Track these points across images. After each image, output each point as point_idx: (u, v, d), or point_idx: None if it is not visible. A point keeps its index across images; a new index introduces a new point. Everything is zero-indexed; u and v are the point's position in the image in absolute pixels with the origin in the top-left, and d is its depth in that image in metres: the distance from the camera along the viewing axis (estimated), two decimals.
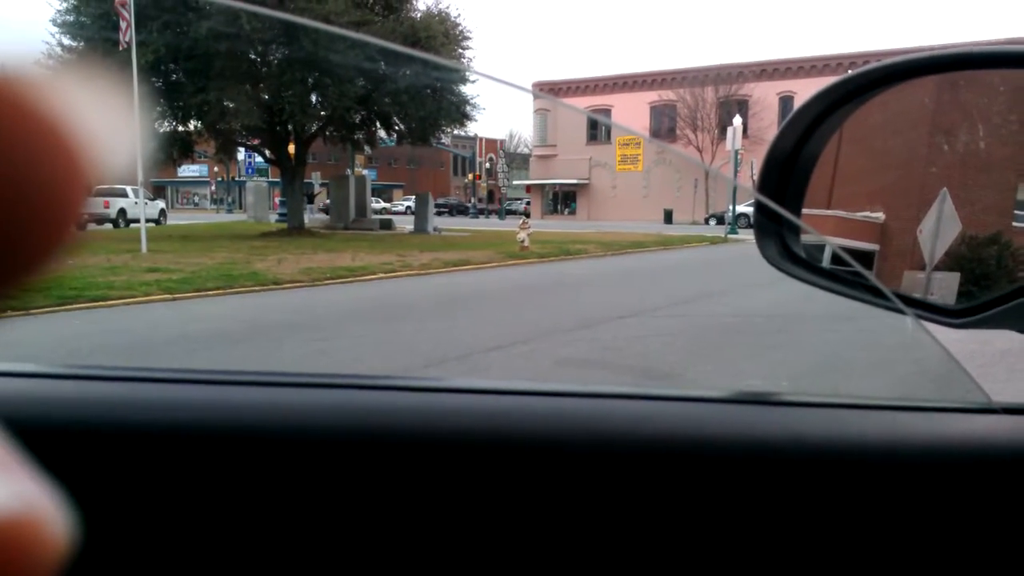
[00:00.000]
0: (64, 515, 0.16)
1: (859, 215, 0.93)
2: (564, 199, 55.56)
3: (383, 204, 54.25)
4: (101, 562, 0.66)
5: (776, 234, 0.84)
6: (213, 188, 65.93)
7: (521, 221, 19.56)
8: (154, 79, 21.61)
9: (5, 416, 0.68)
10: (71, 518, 0.16)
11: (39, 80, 0.15)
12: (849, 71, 0.80)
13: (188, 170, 62.36)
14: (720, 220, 35.34)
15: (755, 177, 0.82)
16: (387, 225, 26.74)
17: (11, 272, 0.15)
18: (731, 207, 29.98)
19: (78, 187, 0.15)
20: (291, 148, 23.90)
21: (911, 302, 0.78)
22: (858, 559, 0.65)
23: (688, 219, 44.48)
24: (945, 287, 0.82)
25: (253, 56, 22.58)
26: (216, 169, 59.66)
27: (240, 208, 50.44)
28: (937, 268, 0.83)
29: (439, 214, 50.54)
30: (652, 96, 50.52)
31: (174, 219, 32.51)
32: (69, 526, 0.16)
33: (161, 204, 32.31)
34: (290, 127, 23.08)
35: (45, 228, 0.15)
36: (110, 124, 0.16)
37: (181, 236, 20.44)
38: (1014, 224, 0.82)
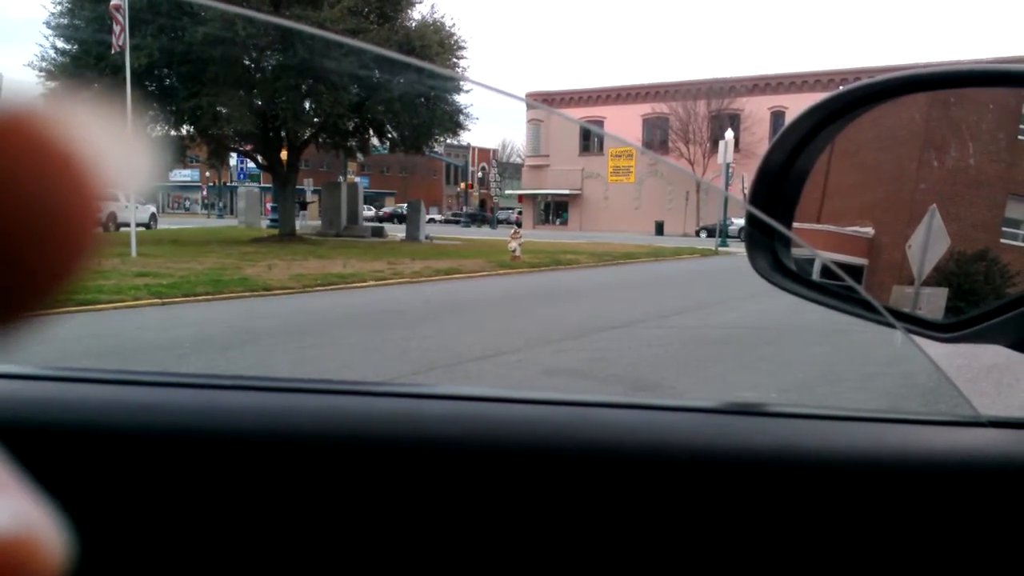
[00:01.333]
0: (60, 531, 0.16)
1: (849, 229, 0.93)
2: (556, 209, 55.65)
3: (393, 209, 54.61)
4: (84, 565, 0.65)
5: (767, 247, 0.84)
6: (205, 193, 65.77)
7: (512, 231, 19.58)
8: (147, 83, 21.56)
9: None
10: (67, 535, 0.16)
11: (43, 108, 0.16)
12: (841, 87, 0.81)
13: (180, 174, 62.25)
14: (711, 232, 35.48)
15: (746, 190, 0.83)
16: (379, 232, 26.72)
17: (47, 282, 0.16)
18: (722, 220, 30.11)
19: (91, 199, 0.16)
20: (284, 154, 23.86)
21: (900, 316, 0.79)
22: (845, 570, 0.66)
23: (679, 231, 44.63)
24: (933, 302, 0.83)
25: (247, 62, 22.56)
26: (208, 174, 59.53)
27: (231, 213, 50.32)
28: (926, 283, 0.83)
29: (469, 225, 50.93)
30: (645, 108, 50.73)
31: (165, 223, 32.35)
32: (66, 544, 0.16)
33: (152, 208, 32.09)
34: (283, 133, 23.05)
35: (68, 239, 0.16)
36: (111, 138, 0.16)
37: (171, 241, 20.36)
38: (1001, 240, 0.83)
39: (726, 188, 30.97)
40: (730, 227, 29.64)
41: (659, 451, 0.67)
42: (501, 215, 57.16)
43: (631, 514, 0.66)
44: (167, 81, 22.44)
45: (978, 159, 0.88)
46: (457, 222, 54.91)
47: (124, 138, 0.17)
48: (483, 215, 57.51)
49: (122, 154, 0.17)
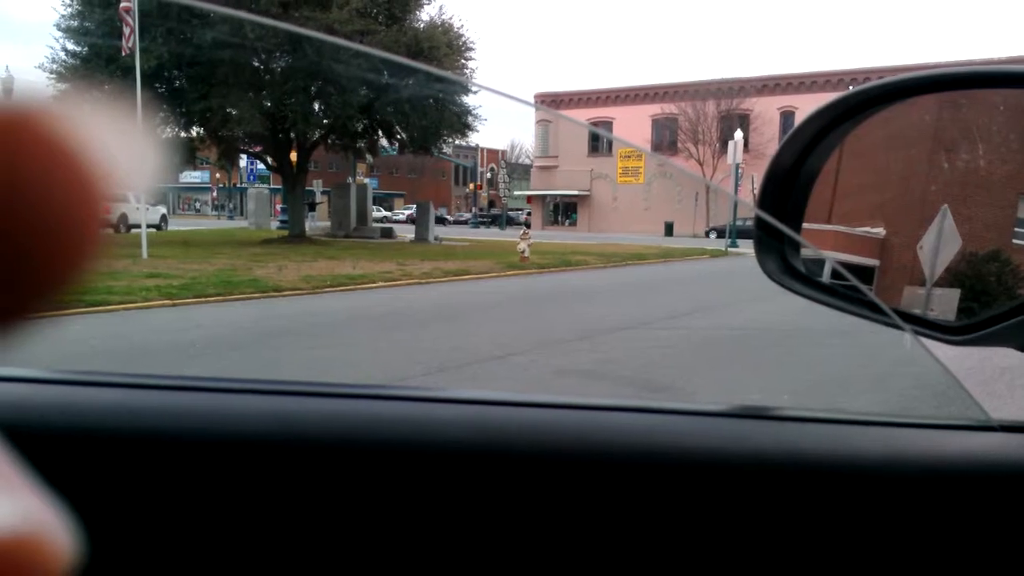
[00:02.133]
0: (68, 530, 0.16)
1: (859, 230, 0.93)
2: (565, 210, 55.64)
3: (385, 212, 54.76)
4: (94, 570, 0.65)
5: (776, 249, 0.84)
6: (215, 194, 66.06)
7: (521, 231, 19.60)
8: (157, 85, 21.65)
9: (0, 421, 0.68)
10: (75, 533, 0.16)
11: (52, 107, 0.16)
12: (851, 87, 0.81)
13: (190, 176, 62.55)
14: (721, 233, 35.40)
15: (756, 191, 0.83)
16: (388, 233, 26.77)
17: (52, 282, 0.16)
18: (732, 221, 30.02)
19: (96, 199, 0.16)
20: (293, 156, 23.93)
21: (910, 318, 0.78)
22: (854, 574, 0.65)
23: (689, 232, 44.55)
24: (945, 303, 0.82)
25: (256, 64, 22.63)
26: (218, 175, 59.78)
27: (241, 215, 50.50)
28: (937, 284, 0.83)
29: (478, 225, 50.98)
30: (654, 109, 50.65)
31: (175, 225, 32.51)
32: (73, 542, 0.16)
33: (162, 210, 32.25)
34: (292, 135, 23.12)
35: (74, 238, 0.16)
36: (119, 139, 0.17)
37: (182, 242, 20.44)
38: (1014, 241, 0.82)
39: (736, 189, 30.90)
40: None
41: (669, 455, 0.67)
42: (510, 215, 57.28)
43: (641, 519, 0.66)
44: (177, 83, 22.54)
45: (989, 160, 0.87)
46: (484, 222, 55.09)
47: (132, 137, 0.17)
48: (508, 215, 57.60)
49: (130, 153, 0.17)
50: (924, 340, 0.73)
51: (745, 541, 0.66)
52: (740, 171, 30.73)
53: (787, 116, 44.35)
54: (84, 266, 0.16)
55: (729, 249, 25.12)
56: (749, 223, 0.88)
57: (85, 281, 0.17)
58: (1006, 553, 0.64)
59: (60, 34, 22.06)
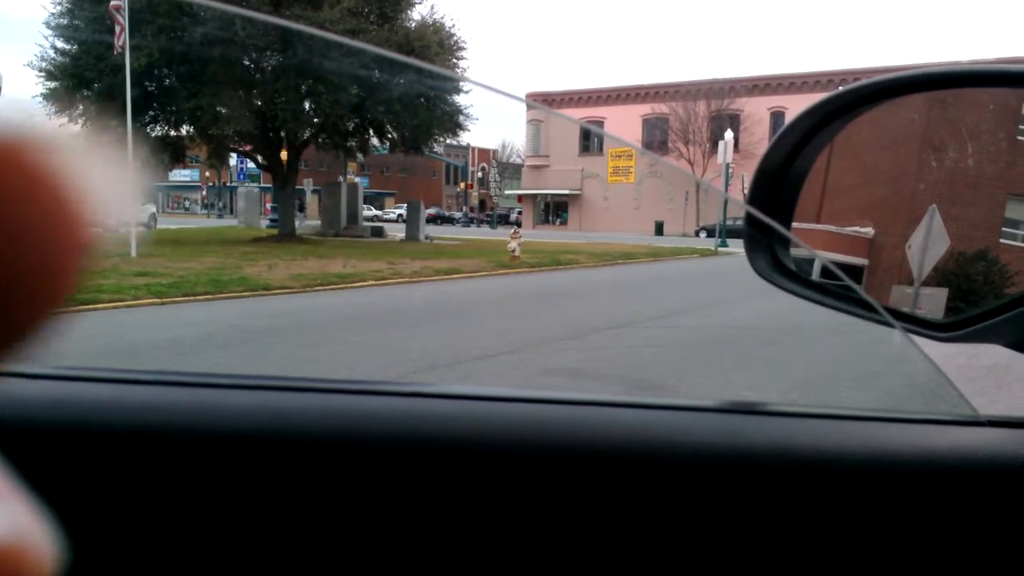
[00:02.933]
0: (53, 537, 0.16)
1: (849, 230, 0.94)
2: (556, 209, 55.67)
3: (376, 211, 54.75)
4: (81, 564, 0.65)
5: (766, 247, 0.84)
6: (204, 193, 65.77)
7: (512, 230, 19.59)
8: (147, 83, 21.55)
9: None
10: (60, 539, 0.16)
11: (38, 137, 0.16)
12: (840, 87, 0.81)
13: (179, 174, 62.21)
14: (711, 233, 35.49)
15: (746, 191, 0.83)
16: (378, 232, 26.71)
17: (50, 293, 0.16)
18: (722, 220, 30.08)
19: (77, 228, 0.16)
20: (283, 154, 23.86)
21: (899, 316, 0.79)
22: (842, 568, 0.66)
23: (679, 231, 44.64)
24: (933, 302, 0.83)
25: (247, 62, 22.55)
26: (208, 174, 59.52)
27: (231, 213, 50.34)
28: (925, 283, 0.83)
29: (469, 224, 50.84)
30: (645, 109, 50.72)
31: (164, 223, 32.32)
32: (59, 550, 0.16)
33: (151, 208, 32.06)
34: (283, 133, 23.05)
35: (62, 256, 0.16)
36: (100, 168, 0.17)
37: (171, 240, 20.34)
38: (1001, 240, 0.83)
39: (726, 188, 30.98)
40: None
41: (659, 450, 0.68)
42: (506, 214, 57.26)
43: (631, 512, 0.66)
44: (167, 81, 22.44)
45: (977, 159, 0.88)
46: (487, 221, 55.12)
47: (113, 165, 0.17)
48: (505, 214, 57.47)
49: (111, 182, 0.17)
50: (913, 337, 0.73)
51: (734, 534, 0.66)
52: (731, 171, 30.80)
53: (777, 116, 44.47)
54: (65, 293, 0.16)
55: (719, 248, 25.17)
56: (739, 223, 0.89)
57: (86, 272, 0.17)
58: (994, 547, 0.65)
59: (50, 32, 21.95)
